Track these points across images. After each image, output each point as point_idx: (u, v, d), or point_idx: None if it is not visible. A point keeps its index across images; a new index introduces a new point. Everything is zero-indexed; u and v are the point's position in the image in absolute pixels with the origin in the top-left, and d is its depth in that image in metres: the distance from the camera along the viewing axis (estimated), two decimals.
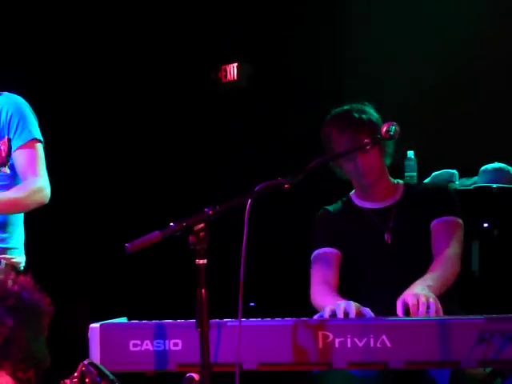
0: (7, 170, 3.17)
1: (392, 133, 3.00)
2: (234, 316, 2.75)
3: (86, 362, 2.56)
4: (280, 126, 5.61)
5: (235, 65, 6.02)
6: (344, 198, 3.46)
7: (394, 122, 3.03)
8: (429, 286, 2.99)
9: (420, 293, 2.90)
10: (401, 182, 3.44)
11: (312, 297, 3.25)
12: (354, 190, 3.44)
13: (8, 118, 3.56)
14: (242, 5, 5.70)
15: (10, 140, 3.14)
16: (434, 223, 3.28)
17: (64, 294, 5.05)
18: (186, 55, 5.80)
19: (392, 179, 3.41)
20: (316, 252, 3.34)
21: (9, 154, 3.11)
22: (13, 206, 3.46)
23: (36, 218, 3.64)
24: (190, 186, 5.31)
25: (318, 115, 5.42)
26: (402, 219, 3.31)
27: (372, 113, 3.32)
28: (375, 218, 3.33)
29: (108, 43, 5.65)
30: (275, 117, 5.66)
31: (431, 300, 2.87)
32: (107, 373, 2.57)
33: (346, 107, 3.35)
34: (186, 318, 2.82)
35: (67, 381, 2.53)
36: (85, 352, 2.78)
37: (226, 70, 6.05)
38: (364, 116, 3.28)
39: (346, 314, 2.88)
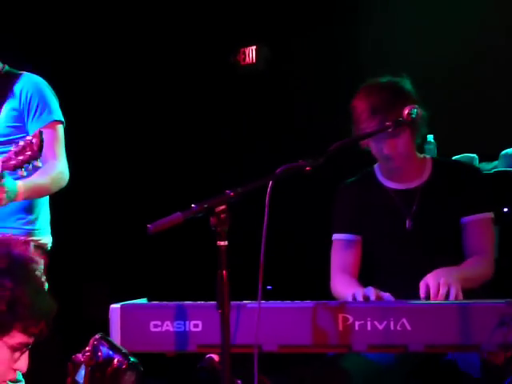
0: (39, 164, 3.18)
1: (414, 115, 2.95)
2: (252, 298, 2.76)
3: (97, 336, 2.57)
4: (298, 109, 5.60)
5: (254, 48, 6.01)
6: (367, 170, 3.32)
7: (415, 105, 2.99)
8: (455, 275, 2.93)
9: (443, 276, 2.89)
10: (428, 157, 3.29)
11: (332, 286, 3.23)
12: (377, 164, 3.29)
13: (28, 98, 3.56)
14: None
15: (41, 133, 3.15)
16: (467, 220, 3.15)
17: (86, 275, 5.11)
18: (205, 38, 5.79)
19: (419, 155, 3.25)
20: (336, 236, 3.28)
21: (41, 147, 3.13)
22: (35, 193, 3.47)
23: (60, 200, 3.65)
24: (211, 168, 5.31)
25: (337, 98, 5.42)
26: (427, 204, 3.18)
27: (409, 86, 3.16)
28: (398, 200, 3.21)
29: (129, 24, 5.65)
30: (293, 100, 5.65)
31: (453, 285, 2.86)
32: (119, 346, 2.59)
33: (384, 79, 3.19)
34: (205, 299, 2.83)
35: (79, 355, 2.55)
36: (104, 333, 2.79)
37: (244, 53, 6.03)
38: (406, 90, 3.12)
39: (367, 298, 2.87)
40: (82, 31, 5.51)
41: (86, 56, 5.49)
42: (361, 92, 3.19)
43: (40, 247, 3.59)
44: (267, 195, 2.61)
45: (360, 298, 2.87)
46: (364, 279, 3.17)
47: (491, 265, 3.15)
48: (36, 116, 3.56)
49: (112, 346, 2.56)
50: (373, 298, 2.86)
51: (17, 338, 1.98)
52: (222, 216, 2.53)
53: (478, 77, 5.15)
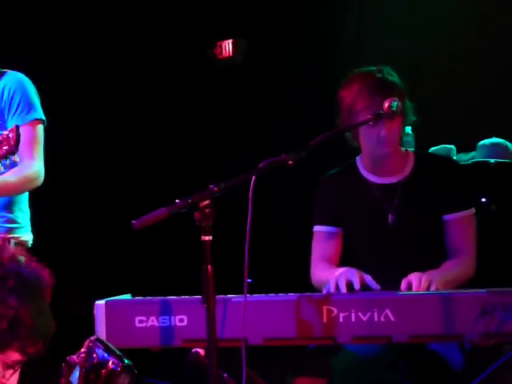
0: (16, 159, 3.17)
1: (394, 108, 2.96)
2: (234, 292, 2.78)
3: (92, 338, 2.58)
4: (275, 102, 5.61)
5: (230, 41, 6.01)
6: (349, 162, 3.29)
7: (395, 98, 3.00)
8: (438, 277, 2.93)
9: (426, 274, 2.91)
10: (410, 150, 3.28)
11: (312, 275, 3.23)
12: (359, 156, 3.27)
13: (10, 96, 3.54)
14: None
15: (18, 127, 3.13)
16: (450, 217, 3.15)
17: (67, 272, 5.09)
18: (182, 31, 5.78)
19: (402, 148, 3.24)
20: (317, 228, 3.28)
21: (17, 142, 3.11)
22: (4, 191, 3.45)
23: (42, 197, 3.64)
24: (192, 163, 5.31)
25: (315, 90, 5.45)
26: (409, 199, 3.17)
27: (396, 76, 3.15)
28: (379, 194, 3.19)
29: (103, 22, 5.63)
30: (270, 93, 5.66)
31: (434, 281, 2.88)
32: (114, 349, 2.59)
33: (371, 68, 3.15)
34: (189, 294, 2.85)
35: (74, 357, 2.55)
36: (85, 330, 2.79)
37: (221, 47, 6.03)
38: (396, 81, 3.12)
39: (349, 281, 2.88)
40: (63, 26, 5.48)
41: (65, 51, 5.47)
42: (349, 82, 3.17)
43: (20, 244, 3.58)
44: (250, 190, 2.63)
45: (343, 286, 2.87)
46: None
47: (473, 264, 3.16)
48: (17, 113, 3.54)
49: (107, 348, 2.56)
50: (356, 280, 2.86)
51: (12, 356, 1.97)
52: (207, 211, 2.54)
53: (453, 67, 5.19)
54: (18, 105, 3.54)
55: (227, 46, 6.01)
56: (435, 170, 3.21)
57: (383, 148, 3.13)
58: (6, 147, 3.11)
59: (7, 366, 1.97)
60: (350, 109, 3.12)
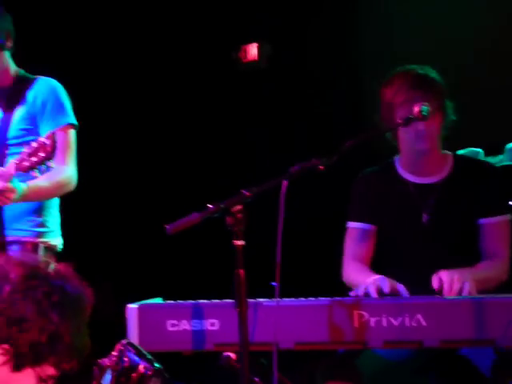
0: (52, 165, 3.21)
1: (425, 113, 2.97)
2: (262, 296, 2.79)
3: (124, 341, 2.59)
4: (300, 107, 5.61)
5: (255, 45, 6.01)
6: (387, 161, 3.31)
7: (426, 102, 3.01)
8: (470, 275, 2.94)
9: (457, 273, 2.90)
10: (449, 153, 3.30)
11: (344, 274, 3.25)
12: (398, 156, 3.29)
13: (42, 102, 3.58)
14: None
15: (54, 135, 3.17)
16: (485, 221, 3.16)
17: (97, 276, 5.12)
18: (206, 35, 5.79)
19: (443, 152, 3.26)
20: (351, 225, 3.29)
21: (54, 148, 3.16)
22: (38, 196, 3.49)
23: (75, 200, 3.67)
24: (220, 167, 5.32)
25: (339, 95, 5.44)
26: (445, 200, 3.19)
27: (437, 74, 3.19)
28: (416, 193, 3.21)
29: (131, 22, 5.65)
30: (295, 97, 5.66)
31: (467, 281, 2.88)
32: (145, 352, 2.61)
33: (416, 67, 3.19)
34: (218, 297, 2.86)
35: (105, 360, 2.56)
36: (114, 333, 2.81)
37: (246, 50, 6.04)
38: (436, 78, 3.16)
39: (380, 289, 2.88)
40: (87, 32, 5.51)
41: (91, 56, 5.50)
42: (390, 78, 3.20)
43: (50, 249, 3.61)
44: (281, 194, 2.64)
45: (373, 291, 2.87)
46: (376, 269, 3.18)
47: (507, 268, 3.15)
48: (50, 118, 3.58)
49: (138, 352, 2.57)
50: (387, 290, 2.87)
51: (47, 370, 1.98)
52: (239, 216, 2.56)
53: (480, 71, 5.17)
54: (51, 110, 3.58)
55: (252, 50, 6.02)
56: (473, 173, 3.23)
57: (421, 143, 3.15)
58: (42, 154, 3.16)
59: (41, 380, 1.98)
60: (390, 104, 3.14)
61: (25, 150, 3.24)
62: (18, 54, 3.66)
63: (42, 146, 3.17)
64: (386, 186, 3.24)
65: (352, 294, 2.98)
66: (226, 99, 5.71)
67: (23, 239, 3.59)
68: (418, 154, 3.20)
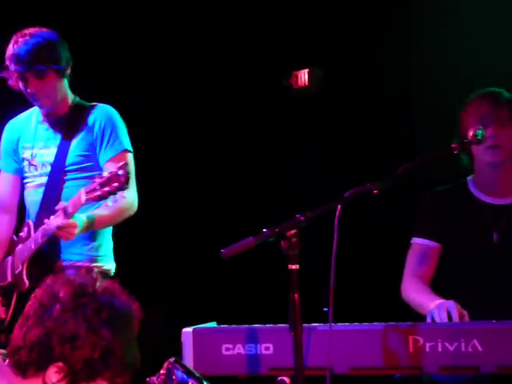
0: (125, 194, 3.26)
1: (480, 137, 2.97)
2: (316, 320, 2.79)
3: (171, 359, 2.61)
4: (351, 132, 5.61)
5: (306, 71, 6.04)
6: (460, 181, 3.32)
7: (480, 126, 3.01)
8: None
9: None
10: None
11: (403, 289, 3.23)
12: (472, 176, 3.30)
13: (101, 128, 3.66)
14: (312, 11, 5.73)
15: (126, 165, 3.23)
16: None
17: (150, 299, 5.17)
18: (257, 61, 5.84)
19: None
20: (416, 240, 3.28)
21: (128, 179, 3.21)
22: (99, 225, 3.56)
23: (130, 224, 3.71)
24: (275, 192, 5.35)
25: (389, 121, 5.44)
26: None
27: None
28: (487, 213, 3.21)
29: (181, 48, 5.73)
30: (346, 122, 5.67)
31: None
32: (193, 371, 2.63)
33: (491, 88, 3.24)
34: (271, 322, 2.87)
35: (154, 378, 2.59)
36: (165, 355, 2.83)
37: (297, 76, 6.07)
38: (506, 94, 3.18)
39: (449, 314, 2.87)
40: (139, 61, 5.60)
41: (145, 83, 5.58)
42: (468, 101, 3.23)
43: (103, 273, 3.66)
44: (336, 219, 2.65)
45: (444, 316, 2.85)
46: (437, 288, 3.16)
47: None
48: (108, 146, 3.65)
49: (186, 370, 2.59)
50: (455, 314, 2.85)
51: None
52: (293, 240, 2.58)
53: None
54: (109, 137, 3.66)
55: (303, 76, 6.04)
56: None
57: (493, 155, 3.15)
58: (116, 184, 3.22)
59: None
60: (464, 123, 3.16)
61: (96, 179, 3.30)
62: (74, 82, 3.74)
63: (115, 176, 3.22)
64: (456, 204, 3.24)
65: (428, 319, 2.95)
66: (278, 125, 5.74)
67: (78, 264, 3.65)
68: (491, 168, 3.19)
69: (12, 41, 3.62)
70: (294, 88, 6.06)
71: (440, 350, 2.70)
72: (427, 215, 3.27)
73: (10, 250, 3.76)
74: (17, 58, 3.57)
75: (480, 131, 2.97)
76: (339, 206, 2.66)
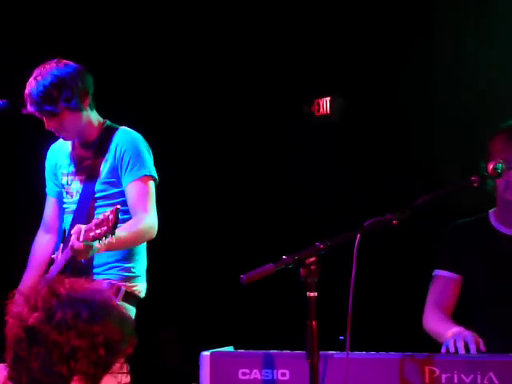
0: (113, 240, 3.30)
1: (499, 170, 2.98)
2: (333, 348, 2.81)
3: None
4: (374, 161, 5.63)
5: (328, 98, 6.07)
6: (482, 214, 3.36)
7: (500, 160, 3.02)
8: None
9: None
10: None
11: (424, 320, 3.25)
12: (493, 210, 3.34)
13: (122, 153, 3.69)
14: (334, 39, 5.77)
15: (118, 210, 3.26)
16: None
17: (164, 321, 5.20)
18: (279, 89, 5.88)
19: None
20: (437, 272, 3.31)
21: (115, 224, 3.24)
22: (118, 246, 3.56)
23: (154, 247, 3.75)
24: (295, 220, 5.37)
25: (413, 148, 5.46)
26: None
27: None
28: (508, 245, 3.23)
29: (202, 76, 5.79)
30: (369, 151, 5.69)
31: None
32: None
33: None
34: (287, 348, 2.89)
35: None
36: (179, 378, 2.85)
37: (318, 104, 6.10)
38: None
39: (467, 346, 2.87)
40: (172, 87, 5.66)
41: (171, 107, 5.64)
42: (494, 135, 3.28)
43: (134, 294, 3.69)
44: (355, 247, 2.67)
45: (461, 346, 2.85)
46: (458, 320, 3.16)
47: None
48: (128, 170, 3.67)
49: None
50: (473, 345, 2.85)
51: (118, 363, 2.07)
52: (312, 267, 2.60)
53: None
54: (129, 162, 3.68)
55: (325, 104, 6.08)
56: None
57: (509, 194, 3.18)
58: (104, 228, 3.27)
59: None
60: (490, 155, 3.19)
61: (94, 220, 3.37)
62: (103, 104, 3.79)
63: (106, 219, 3.27)
64: (477, 237, 3.27)
65: (443, 350, 2.96)
66: (300, 153, 5.77)
67: (112, 282, 3.67)
68: (509, 205, 3.22)
69: (31, 77, 3.67)
70: (315, 116, 6.11)
71: (456, 381, 2.71)
72: (448, 247, 3.30)
73: (47, 270, 3.83)
74: (30, 98, 3.64)
75: (500, 165, 2.98)
76: (358, 235, 2.68)
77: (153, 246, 3.81)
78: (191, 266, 5.17)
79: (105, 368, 2.04)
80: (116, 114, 3.82)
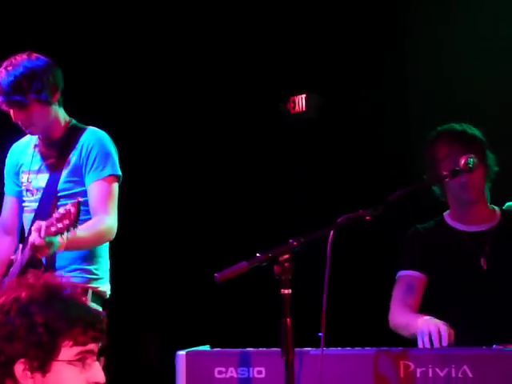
0: (76, 233, 3.28)
1: (471, 165, 3.02)
2: (308, 345, 2.81)
3: None
4: (349, 157, 5.65)
5: (303, 96, 6.09)
6: (437, 218, 3.41)
7: (472, 155, 3.06)
8: None
9: None
10: (497, 208, 3.39)
11: (390, 318, 3.26)
12: (448, 211, 3.39)
13: (88, 151, 3.66)
14: (309, 36, 5.78)
15: (79, 203, 3.24)
16: None
17: (142, 323, 5.19)
18: (255, 86, 5.89)
19: (489, 205, 3.36)
20: (401, 273, 3.32)
21: (77, 217, 3.22)
22: (76, 246, 3.54)
23: (120, 247, 3.73)
24: (268, 217, 5.38)
25: (387, 146, 5.48)
26: (501, 245, 3.25)
27: (476, 130, 3.33)
28: (470, 241, 3.28)
29: (176, 74, 5.78)
30: (344, 147, 5.70)
31: None
32: None
33: (455, 125, 3.35)
34: (263, 346, 2.89)
35: None
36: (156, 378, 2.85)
37: (294, 101, 6.11)
38: (476, 133, 3.30)
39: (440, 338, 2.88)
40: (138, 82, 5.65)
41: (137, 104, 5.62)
42: (433, 136, 3.34)
43: (99, 295, 3.68)
44: (329, 244, 2.68)
45: (436, 338, 2.87)
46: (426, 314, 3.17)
47: None
48: (93, 169, 3.64)
49: None
50: (445, 336, 2.87)
51: (71, 352, 2.05)
52: (286, 265, 2.60)
53: None
54: (94, 161, 3.64)
55: (300, 101, 6.09)
56: None
57: (467, 194, 3.25)
58: (67, 221, 3.24)
59: (76, 361, 2.05)
60: (433, 160, 3.26)
61: (54, 214, 3.32)
62: (69, 104, 3.77)
63: (68, 212, 3.24)
64: (438, 237, 3.31)
65: (420, 343, 2.96)
66: (275, 150, 5.78)
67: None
68: (466, 205, 3.28)
69: (1, 68, 3.63)
70: (291, 113, 6.11)
71: (430, 375, 2.72)
72: (410, 248, 3.33)
73: (7, 272, 3.78)
74: None
75: (472, 159, 3.02)
76: (332, 232, 2.69)
77: (127, 247, 3.79)
78: (166, 267, 5.17)
79: (48, 351, 2.03)
80: (80, 113, 3.80)
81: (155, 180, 5.11)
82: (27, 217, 3.78)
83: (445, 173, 3.05)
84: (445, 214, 3.40)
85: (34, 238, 3.35)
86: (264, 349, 2.88)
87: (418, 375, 2.72)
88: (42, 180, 3.72)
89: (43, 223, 3.32)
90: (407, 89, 5.56)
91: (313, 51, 5.77)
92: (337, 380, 2.77)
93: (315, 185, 5.60)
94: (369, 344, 2.86)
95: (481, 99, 5.00)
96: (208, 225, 4.52)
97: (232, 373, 2.83)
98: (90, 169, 3.65)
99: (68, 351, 2.05)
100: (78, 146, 3.69)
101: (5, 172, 3.93)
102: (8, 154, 3.93)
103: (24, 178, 3.80)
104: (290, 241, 2.64)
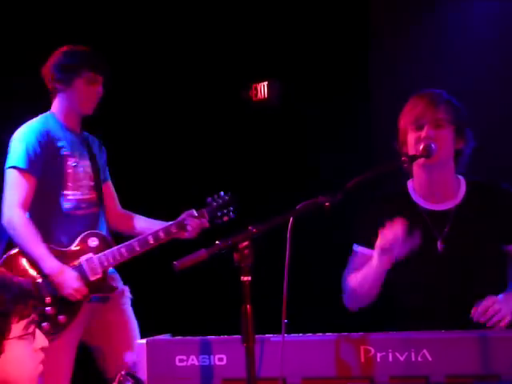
0: None
1: (430, 151, 3.01)
2: (271, 331, 2.81)
3: (123, 372, 2.65)
4: (311, 145, 5.66)
5: (265, 83, 6.08)
6: (400, 186, 3.28)
7: (432, 141, 3.05)
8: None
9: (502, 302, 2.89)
10: (463, 180, 3.25)
11: (348, 281, 3.22)
12: (410, 180, 3.25)
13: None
14: (271, 23, 5.77)
15: None
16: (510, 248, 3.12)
17: None
18: (216, 73, 5.87)
19: (457, 176, 3.22)
20: (357, 248, 3.26)
21: None
22: None
23: None
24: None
25: (350, 134, 5.49)
26: (460, 227, 3.15)
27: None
28: (430, 221, 3.17)
29: (138, 62, 5.74)
30: (306, 135, 5.71)
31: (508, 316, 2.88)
32: (144, 383, 2.66)
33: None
34: (226, 333, 2.89)
35: None
36: None
37: (256, 89, 6.10)
38: (452, 99, 3.15)
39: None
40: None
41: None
42: (410, 102, 3.21)
43: None
44: (288, 230, 2.68)
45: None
46: (385, 296, 3.18)
47: None
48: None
49: (137, 382, 2.62)
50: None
51: (18, 326, 2.09)
52: (246, 252, 2.60)
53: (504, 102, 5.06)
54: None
55: (262, 88, 6.08)
56: (490, 197, 3.17)
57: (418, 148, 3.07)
58: None
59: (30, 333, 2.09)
60: (401, 125, 3.15)
61: None
62: None
63: None
64: (397, 212, 3.11)
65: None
66: (236, 137, 5.77)
67: None
68: (427, 170, 3.13)
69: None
70: (253, 100, 6.10)
71: (391, 359, 2.73)
72: (368, 222, 3.20)
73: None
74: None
75: (431, 145, 3.01)
76: (291, 218, 2.69)
77: None
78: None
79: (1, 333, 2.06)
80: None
81: (121, 166, 5.05)
82: None
83: (403, 158, 3.02)
84: (408, 182, 3.27)
85: None
86: (225, 336, 2.88)
87: (379, 360, 2.73)
88: None
89: None
90: (369, 72, 5.57)
91: (274, 38, 5.76)
92: (298, 366, 2.77)
93: (277, 172, 5.60)
94: (330, 330, 2.87)
95: None
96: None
97: (193, 360, 2.82)
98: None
99: (16, 327, 2.09)
100: None
101: None
102: None
103: None
104: (249, 228, 2.64)
